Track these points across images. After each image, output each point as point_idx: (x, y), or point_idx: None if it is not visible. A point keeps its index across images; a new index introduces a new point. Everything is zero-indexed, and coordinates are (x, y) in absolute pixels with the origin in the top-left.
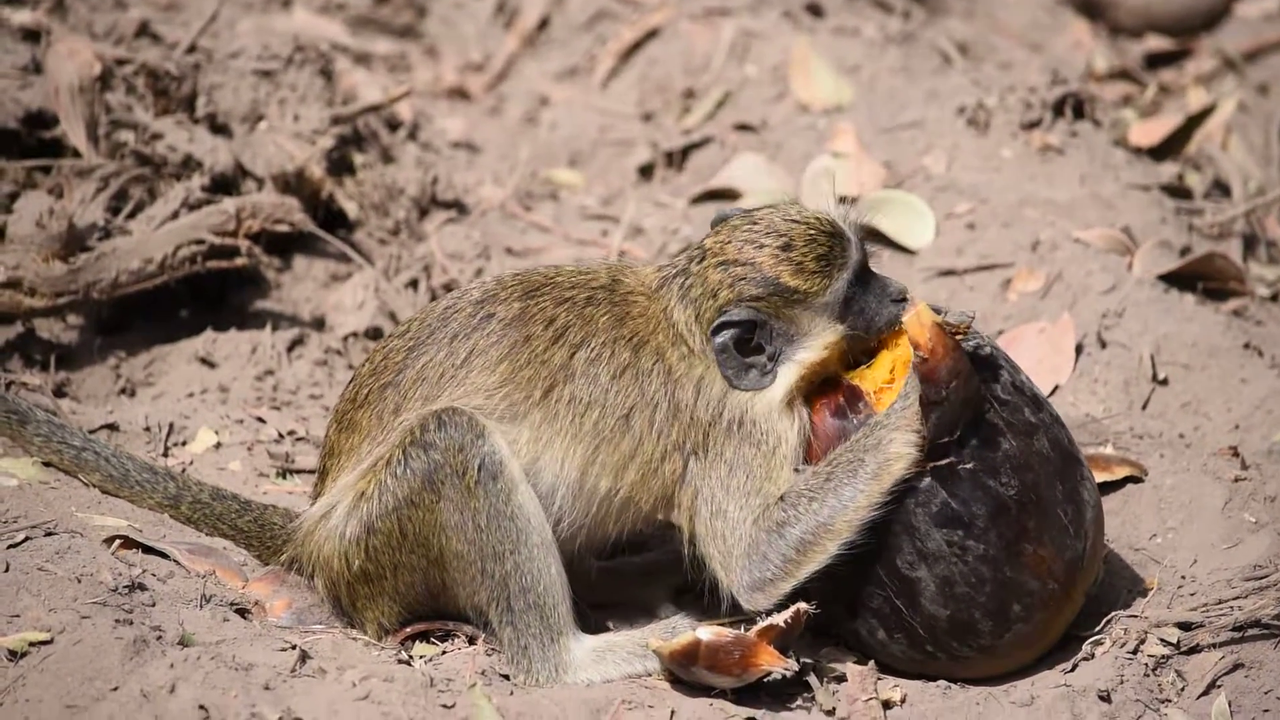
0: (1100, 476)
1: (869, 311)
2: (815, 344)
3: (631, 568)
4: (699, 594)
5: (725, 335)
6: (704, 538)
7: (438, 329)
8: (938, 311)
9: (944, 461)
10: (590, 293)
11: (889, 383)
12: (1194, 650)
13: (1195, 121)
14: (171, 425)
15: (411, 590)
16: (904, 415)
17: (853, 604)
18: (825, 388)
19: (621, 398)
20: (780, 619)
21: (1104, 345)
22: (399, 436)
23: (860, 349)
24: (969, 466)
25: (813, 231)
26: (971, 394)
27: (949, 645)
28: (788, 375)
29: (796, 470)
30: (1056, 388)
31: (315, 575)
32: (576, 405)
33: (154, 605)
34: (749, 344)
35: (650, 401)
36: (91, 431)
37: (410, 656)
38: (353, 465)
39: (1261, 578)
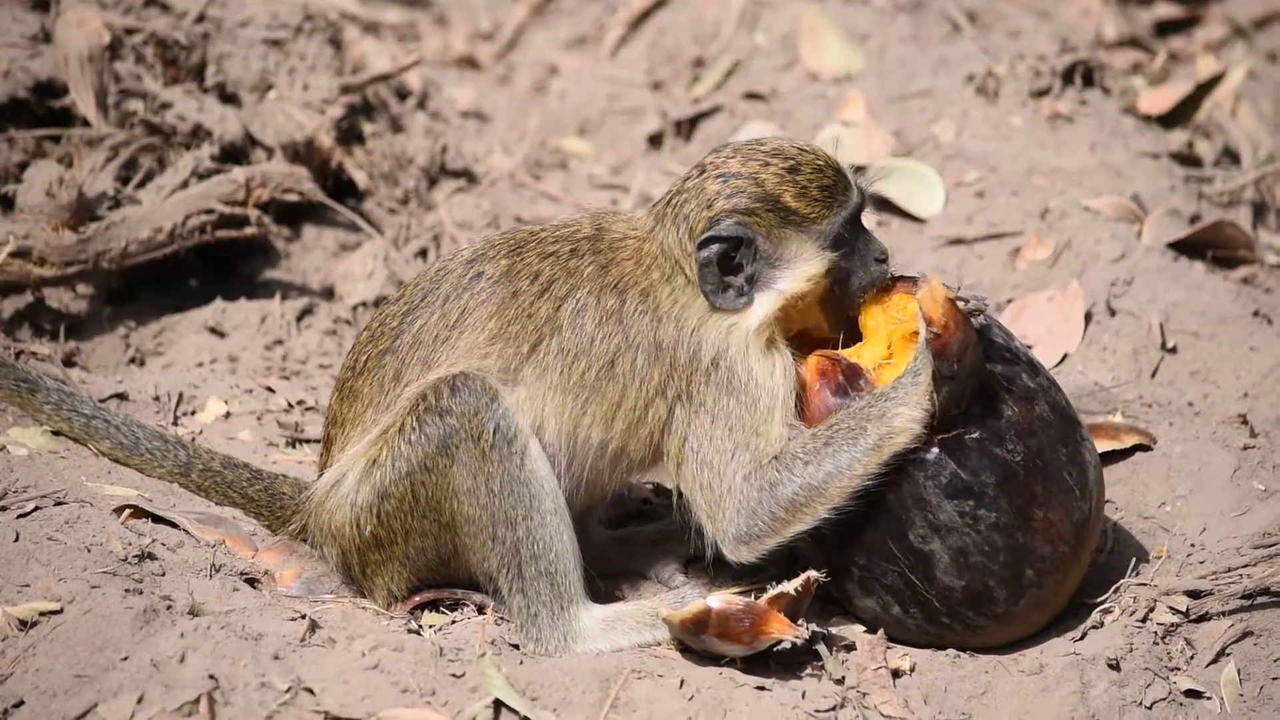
0: (1109, 445)
1: (853, 262)
2: (799, 273)
3: (641, 537)
4: (708, 564)
5: (711, 249)
6: (690, 486)
7: (430, 291)
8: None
9: (952, 434)
10: (574, 245)
11: (888, 359)
12: (1203, 618)
13: (1205, 89)
14: (181, 395)
15: (422, 556)
16: (913, 390)
17: (866, 581)
18: (822, 363)
19: (606, 344)
20: (791, 587)
21: (1113, 313)
22: (409, 403)
23: (836, 309)
24: (975, 436)
25: (820, 163)
26: (977, 364)
27: (964, 616)
28: (765, 304)
29: (790, 425)
30: (1065, 356)
31: (326, 544)
32: (565, 357)
33: (164, 575)
34: (732, 261)
35: (633, 345)
36: (101, 401)
37: (420, 626)
38: (359, 433)
39: (1270, 545)
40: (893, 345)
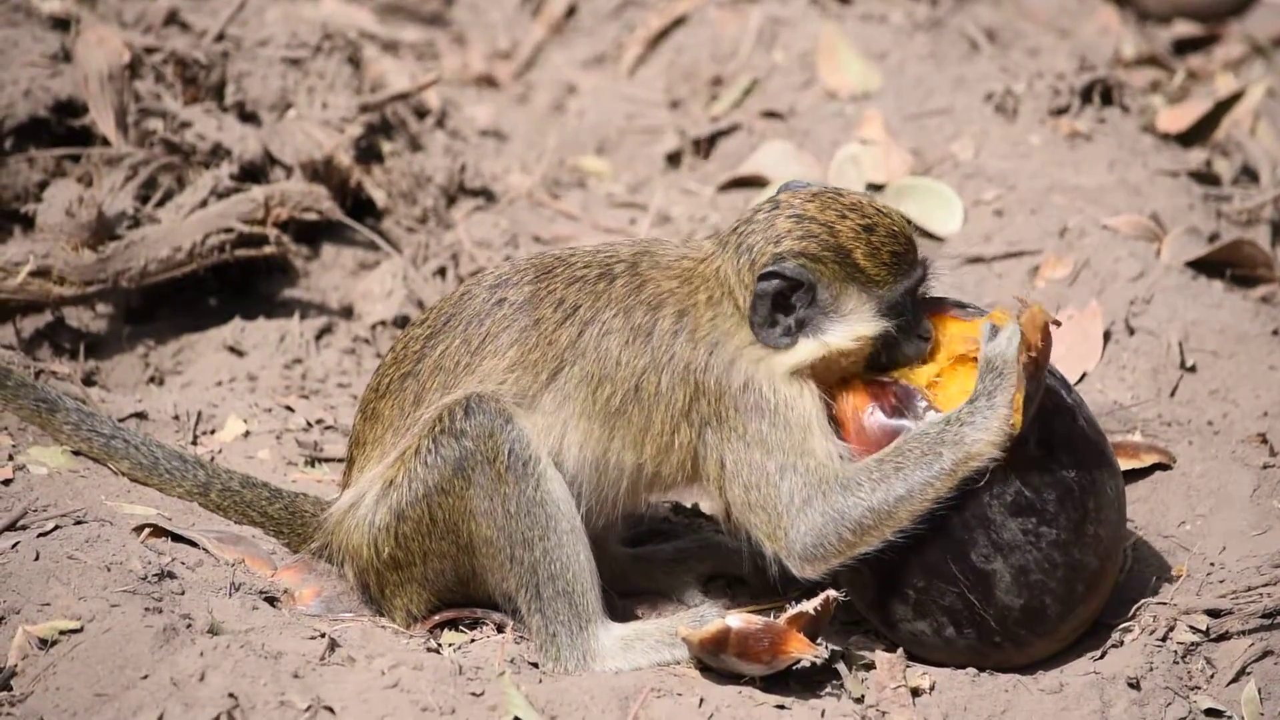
0: (1129, 464)
1: (903, 333)
2: (850, 331)
3: (660, 556)
4: (728, 583)
5: (771, 284)
6: (740, 509)
7: (454, 316)
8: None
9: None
10: (604, 269)
11: (937, 377)
12: (1223, 637)
13: (1224, 108)
14: (200, 414)
15: (441, 577)
16: (991, 415)
17: (922, 604)
18: (871, 388)
19: (631, 367)
20: (810, 606)
21: (1132, 332)
22: (426, 425)
23: (867, 366)
24: (1036, 454)
25: (895, 228)
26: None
27: (1017, 634)
28: (807, 350)
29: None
30: (1085, 375)
31: (344, 564)
32: (588, 384)
33: (183, 593)
34: (787, 301)
35: (659, 365)
36: (120, 420)
37: (439, 644)
38: (379, 455)
39: None
40: (941, 368)
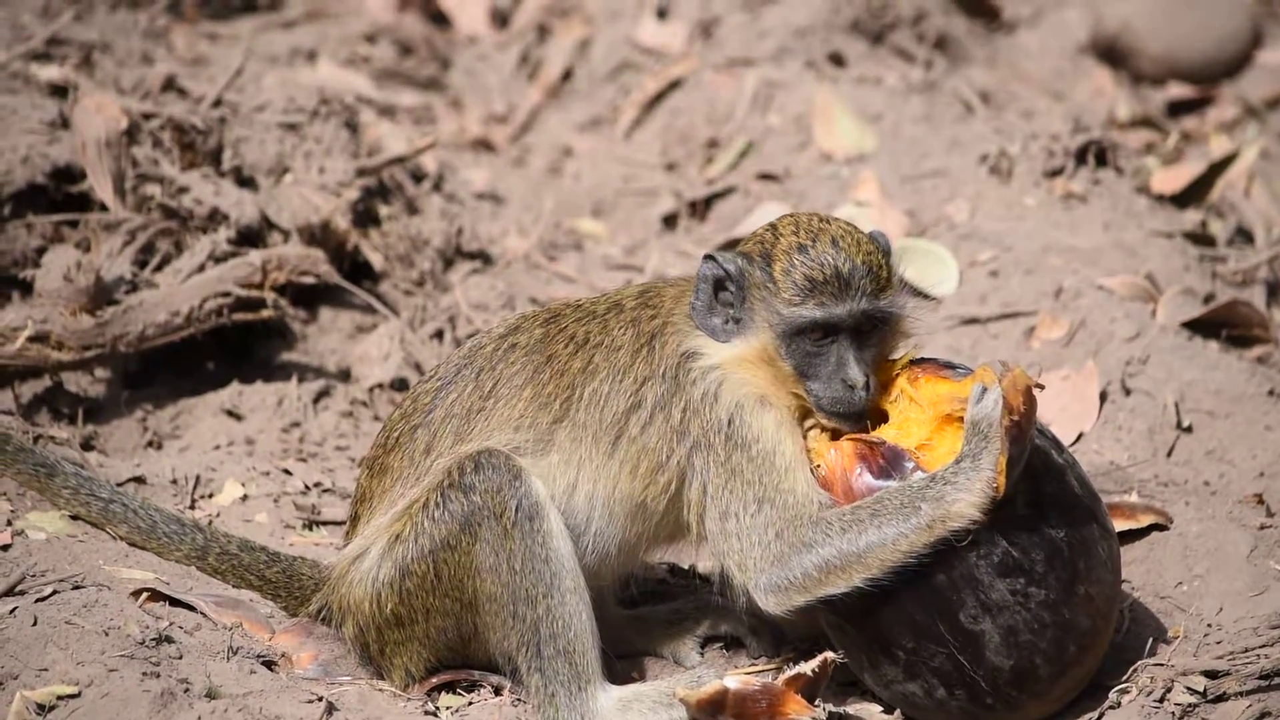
0: (1125, 524)
1: (813, 370)
2: (753, 338)
3: (657, 617)
4: (726, 644)
5: (709, 265)
6: (716, 536)
7: (464, 367)
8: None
9: (1002, 511)
10: (613, 304)
11: (928, 439)
12: (1221, 699)
13: (1218, 169)
14: (198, 477)
15: (443, 636)
16: (975, 477)
17: (912, 665)
18: (859, 448)
19: (634, 378)
20: (808, 668)
21: (1128, 393)
22: (435, 479)
23: (826, 415)
24: (1024, 514)
25: (832, 262)
26: (1031, 444)
27: (1009, 695)
28: (734, 350)
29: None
30: (1081, 435)
31: (345, 621)
32: (597, 402)
33: (181, 658)
34: (722, 291)
35: (655, 373)
36: (119, 484)
37: (437, 708)
38: (385, 507)
39: None
40: (932, 431)
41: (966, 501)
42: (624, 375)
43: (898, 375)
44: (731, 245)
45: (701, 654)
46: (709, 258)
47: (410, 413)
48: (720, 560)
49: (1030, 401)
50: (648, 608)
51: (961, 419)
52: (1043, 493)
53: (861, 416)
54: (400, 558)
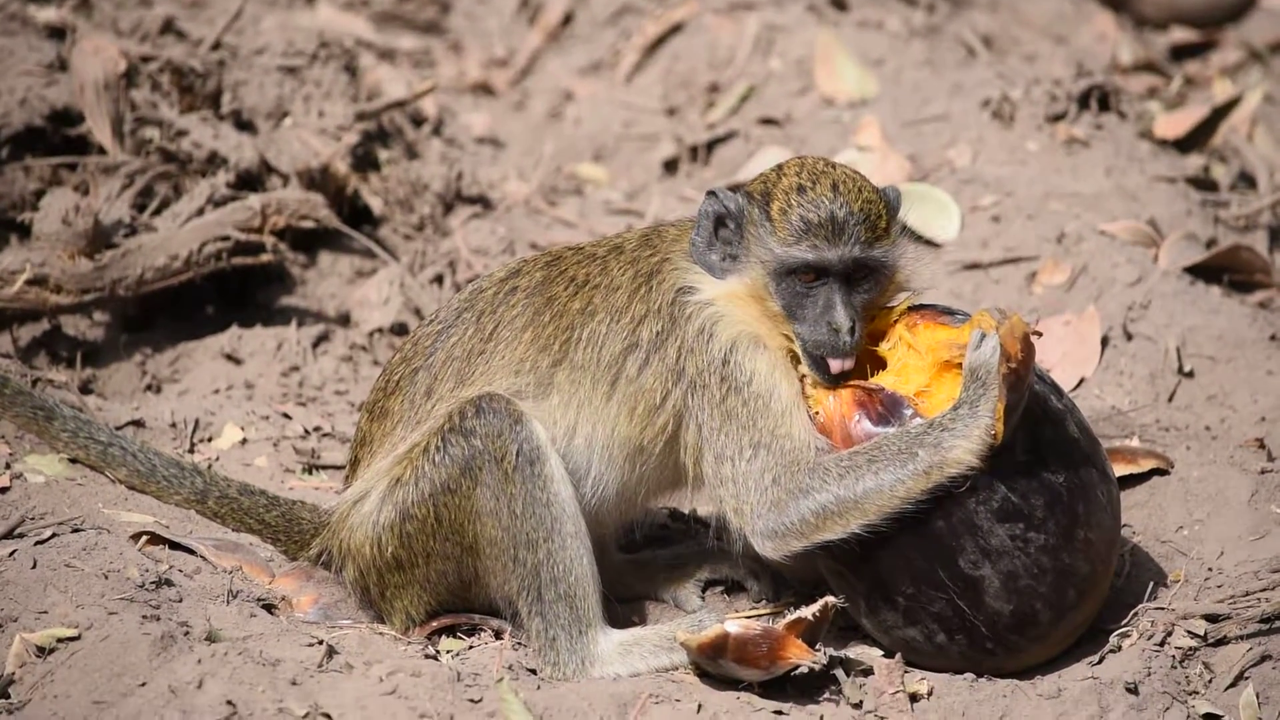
0: (1126, 469)
1: (803, 317)
2: (746, 274)
3: (659, 562)
4: (727, 588)
5: (711, 202)
6: (712, 480)
7: (465, 310)
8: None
9: (1002, 457)
10: (615, 247)
11: (926, 386)
12: (1221, 642)
13: (1221, 113)
14: (197, 421)
15: (443, 579)
16: (973, 423)
17: (912, 610)
18: (858, 394)
19: (632, 315)
20: (809, 612)
21: (1130, 338)
22: (436, 423)
23: (808, 361)
24: (1023, 460)
25: (830, 205)
26: (1030, 390)
27: (1008, 640)
28: (727, 286)
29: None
30: (1082, 380)
31: (345, 565)
32: (595, 343)
33: (181, 601)
34: (722, 228)
35: (652, 312)
36: (117, 428)
37: (437, 651)
38: (386, 451)
39: None
40: (932, 378)
41: (964, 448)
42: (621, 315)
43: (896, 322)
44: (738, 188)
45: (703, 598)
46: (712, 194)
47: (411, 356)
48: (717, 505)
49: (1028, 348)
50: (649, 552)
51: (960, 365)
52: (1042, 438)
53: (841, 365)
54: (401, 501)
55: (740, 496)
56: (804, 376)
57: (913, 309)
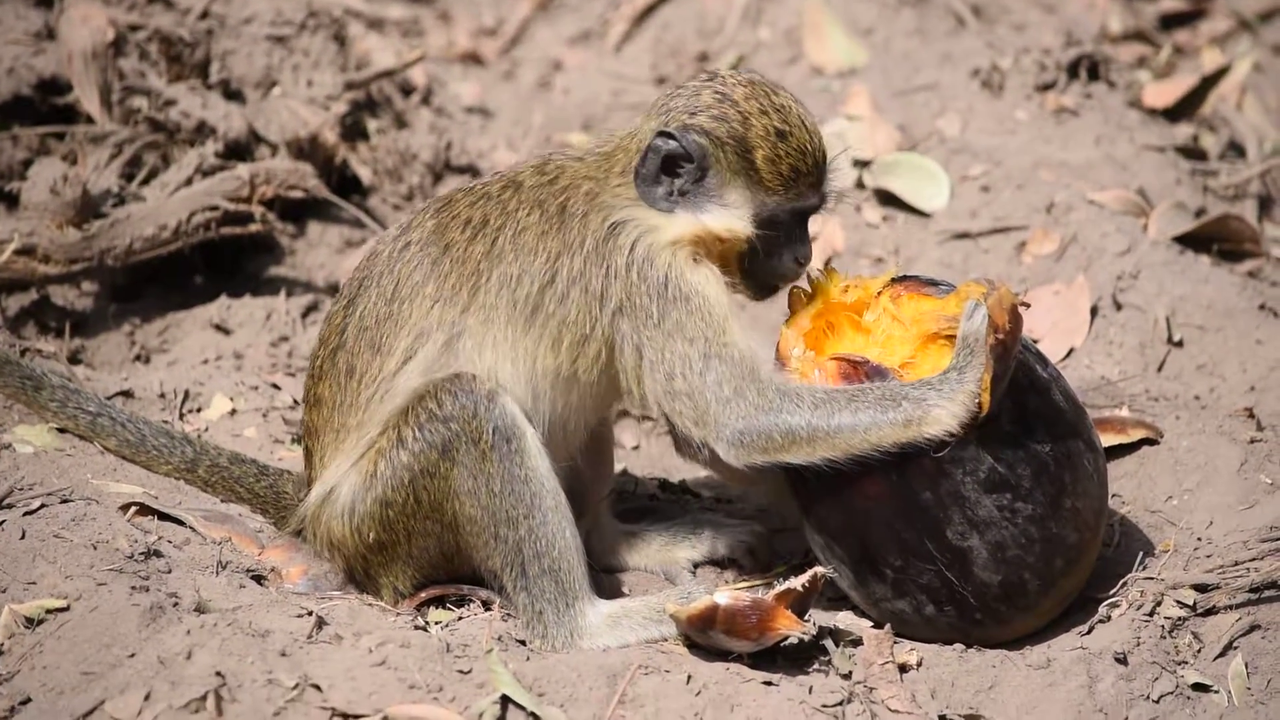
0: (1115, 439)
1: (775, 247)
2: (722, 221)
3: (651, 534)
4: (717, 562)
5: (669, 144)
6: (663, 398)
7: (365, 278)
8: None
9: (988, 427)
10: (508, 183)
11: (911, 358)
12: (1210, 612)
13: (1210, 82)
14: (186, 392)
15: (426, 554)
16: (959, 388)
17: (900, 583)
18: (843, 367)
19: (546, 254)
20: (798, 583)
21: (1119, 307)
22: (400, 406)
23: (751, 279)
24: (1009, 430)
25: (809, 147)
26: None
27: (997, 610)
28: (683, 223)
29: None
30: (1072, 350)
31: (332, 557)
32: (508, 286)
33: (170, 572)
34: (675, 167)
35: (570, 247)
36: (107, 398)
37: (426, 622)
38: (333, 439)
39: (1277, 539)
40: (916, 349)
41: (947, 410)
42: (534, 254)
43: (880, 294)
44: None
45: (693, 571)
46: (668, 135)
47: (327, 338)
48: (673, 420)
49: (1015, 319)
50: (642, 524)
51: (945, 336)
52: (1028, 408)
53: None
54: (380, 492)
55: (700, 408)
56: (798, 349)
57: (896, 280)
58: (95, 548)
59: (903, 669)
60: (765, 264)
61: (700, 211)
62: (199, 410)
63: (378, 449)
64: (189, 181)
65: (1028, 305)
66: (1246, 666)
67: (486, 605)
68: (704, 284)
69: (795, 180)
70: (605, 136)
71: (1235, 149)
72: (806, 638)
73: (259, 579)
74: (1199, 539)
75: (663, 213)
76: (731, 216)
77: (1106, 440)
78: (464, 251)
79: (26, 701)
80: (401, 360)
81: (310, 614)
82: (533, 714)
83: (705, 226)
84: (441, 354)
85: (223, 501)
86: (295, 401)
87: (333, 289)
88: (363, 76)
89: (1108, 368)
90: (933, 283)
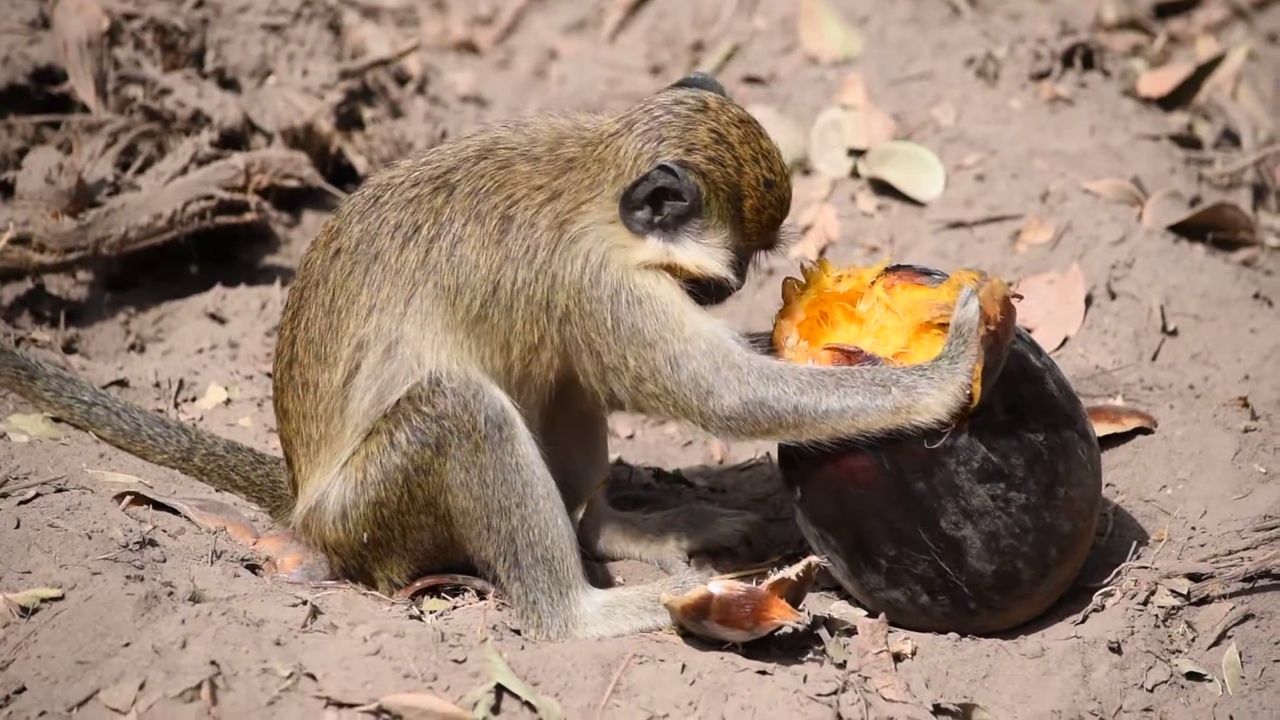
0: (1110, 428)
1: (737, 276)
2: (698, 260)
3: (649, 525)
4: (711, 551)
5: (666, 179)
6: (637, 398)
7: (305, 287)
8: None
9: (981, 417)
10: (440, 181)
11: (905, 348)
12: (1204, 601)
13: (1205, 71)
14: (181, 381)
15: (421, 547)
16: (950, 378)
17: (894, 573)
18: (836, 356)
19: (488, 267)
20: (792, 573)
21: (1114, 296)
22: (392, 404)
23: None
24: (1002, 419)
25: (787, 198)
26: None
27: (991, 600)
28: (655, 250)
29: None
30: (1066, 339)
31: (329, 558)
32: (445, 295)
33: (165, 561)
34: (662, 200)
35: (514, 260)
36: (102, 387)
37: (421, 612)
38: (307, 454)
39: (1271, 528)
40: (910, 337)
41: (936, 399)
42: (475, 267)
43: (873, 283)
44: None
45: (688, 560)
46: (668, 170)
47: (280, 350)
48: (651, 414)
49: (1008, 311)
50: (637, 514)
51: (939, 326)
52: (1021, 397)
53: None
54: (373, 495)
55: (680, 403)
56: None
57: (890, 270)
58: (90, 537)
59: (897, 658)
60: (717, 292)
61: (674, 244)
62: (194, 399)
63: (365, 454)
64: (184, 170)
65: (1020, 297)
66: (1240, 655)
67: (481, 595)
68: (654, 285)
69: (770, 227)
70: (561, 132)
71: (1230, 138)
72: (801, 627)
73: (254, 568)
74: (1193, 528)
75: (634, 235)
76: (707, 256)
77: (1100, 429)
78: (396, 259)
79: (21, 690)
80: (346, 372)
81: (305, 603)
82: (527, 703)
83: (675, 259)
84: (383, 361)
85: (218, 490)
86: None
87: None
88: (358, 65)
89: (1102, 357)
90: (926, 272)
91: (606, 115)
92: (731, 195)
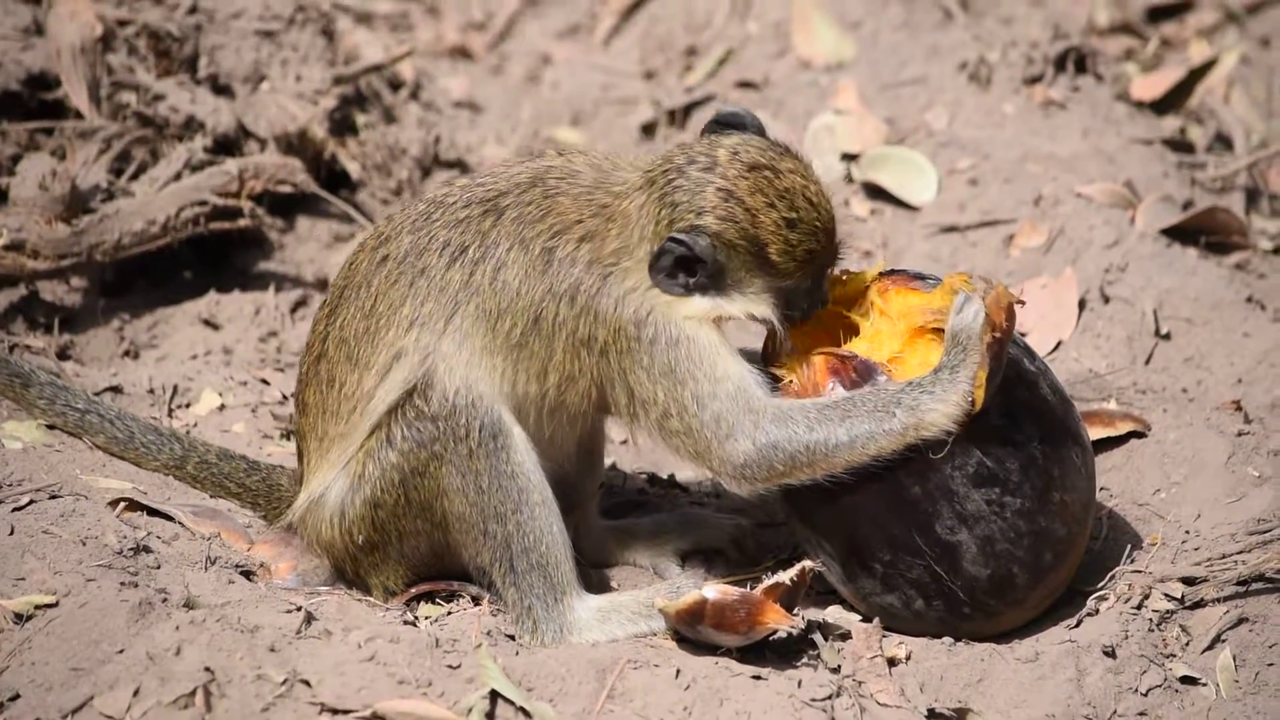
0: (1103, 432)
1: (796, 306)
2: (744, 308)
3: (640, 529)
4: (705, 554)
5: (679, 249)
6: (661, 434)
7: (345, 287)
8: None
9: (976, 422)
10: (490, 204)
11: (899, 353)
12: (1198, 605)
13: (1197, 75)
14: (175, 387)
15: (416, 553)
16: (951, 388)
17: (889, 577)
18: (831, 362)
19: (529, 298)
20: (786, 577)
21: (1107, 300)
22: (388, 407)
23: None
24: (997, 424)
25: (819, 225)
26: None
27: (986, 604)
28: (701, 306)
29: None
30: (1060, 343)
31: (322, 557)
32: (487, 318)
33: (159, 568)
34: (691, 266)
35: (556, 294)
36: (95, 394)
37: (415, 617)
38: (321, 448)
39: (1265, 531)
40: (904, 343)
41: (941, 412)
42: (516, 296)
43: (868, 288)
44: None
45: (681, 565)
46: (679, 241)
47: (312, 344)
48: (672, 452)
49: (1010, 317)
50: (630, 519)
51: (933, 330)
52: (1016, 402)
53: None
54: (369, 494)
55: (699, 445)
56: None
57: (884, 274)
58: (84, 544)
59: (891, 663)
60: (784, 321)
61: (721, 298)
62: (188, 405)
63: (366, 450)
64: (178, 176)
65: (1023, 303)
66: (1234, 659)
67: (476, 600)
68: (696, 329)
69: (811, 259)
70: (601, 172)
71: (1222, 141)
72: (795, 632)
73: (248, 574)
74: (1187, 532)
75: (678, 297)
76: (754, 304)
77: (1094, 433)
78: (441, 278)
79: (15, 698)
80: (379, 377)
81: (299, 609)
82: (522, 709)
83: (726, 311)
84: (418, 373)
85: (211, 497)
86: (284, 397)
87: (322, 284)
88: (351, 71)
89: (1095, 361)
90: (920, 277)
91: (643, 160)
92: (752, 247)
